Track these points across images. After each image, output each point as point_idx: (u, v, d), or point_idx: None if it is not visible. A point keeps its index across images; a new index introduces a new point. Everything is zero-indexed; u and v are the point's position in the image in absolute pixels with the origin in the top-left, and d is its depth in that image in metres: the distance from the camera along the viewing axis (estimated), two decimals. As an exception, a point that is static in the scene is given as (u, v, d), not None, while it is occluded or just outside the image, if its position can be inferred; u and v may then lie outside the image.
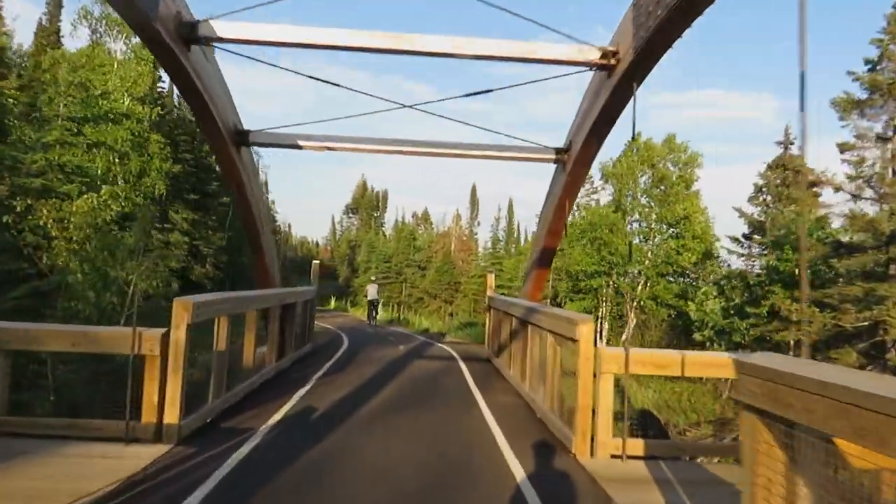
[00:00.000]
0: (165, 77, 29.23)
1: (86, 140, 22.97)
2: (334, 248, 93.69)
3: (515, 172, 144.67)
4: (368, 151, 8.36)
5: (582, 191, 58.51)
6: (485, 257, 40.67)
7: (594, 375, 6.11)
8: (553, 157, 8.48)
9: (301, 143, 8.04)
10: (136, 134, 25.78)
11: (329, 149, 8.13)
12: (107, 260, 9.31)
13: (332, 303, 43.16)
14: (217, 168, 35.31)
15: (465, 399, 8.50)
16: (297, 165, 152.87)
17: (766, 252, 22.46)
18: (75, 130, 21.03)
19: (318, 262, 13.93)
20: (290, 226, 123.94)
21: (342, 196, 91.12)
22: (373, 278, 29.29)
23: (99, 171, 24.69)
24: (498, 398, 8.59)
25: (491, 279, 14.28)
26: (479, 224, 67.04)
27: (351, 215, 73.23)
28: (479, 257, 42.49)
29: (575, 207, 54.81)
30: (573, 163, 8.19)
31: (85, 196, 11.93)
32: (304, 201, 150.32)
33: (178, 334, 5.73)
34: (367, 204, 71.20)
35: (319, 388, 8.76)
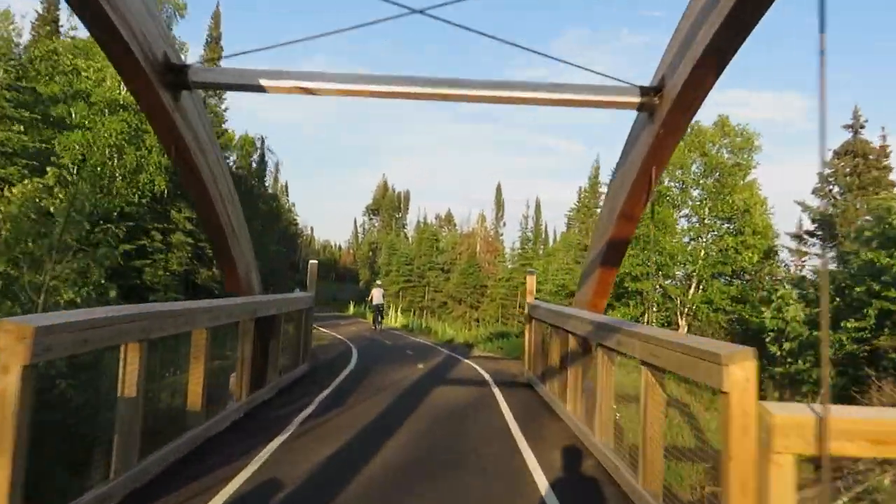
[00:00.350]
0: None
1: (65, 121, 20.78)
2: (356, 250, 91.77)
3: (541, 173, 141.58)
4: (368, 95, 5.71)
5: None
6: (513, 258, 37.82)
7: (760, 457, 3.35)
8: (637, 99, 5.73)
9: (266, 82, 5.44)
10: (132, 126, 23.67)
11: (307, 91, 5.53)
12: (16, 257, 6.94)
13: (351, 308, 40.74)
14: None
15: (510, 459, 5.78)
16: (318, 168, 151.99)
17: (834, 247, 19.32)
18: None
19: (315, 262, 11.38)
20: (312, 229, 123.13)
21: (364, 198, 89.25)
22: (378, 282, 27.96)
23: (71, 162, 22.59)
24: (557, 458, 5.85)
25: (532, 282, 11.52)
26: (504, 225, 64.19)
27: (372, 217, 70.99)
28: (506, 259, 39.61)
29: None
30: (670, 108, 5.46)
31: (26, 182, 9.62)
32: (326, 205, 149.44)
33: (5, 384, 3.17)
34: (388, 205, 68.88)
35: (299, 439, 6.13)
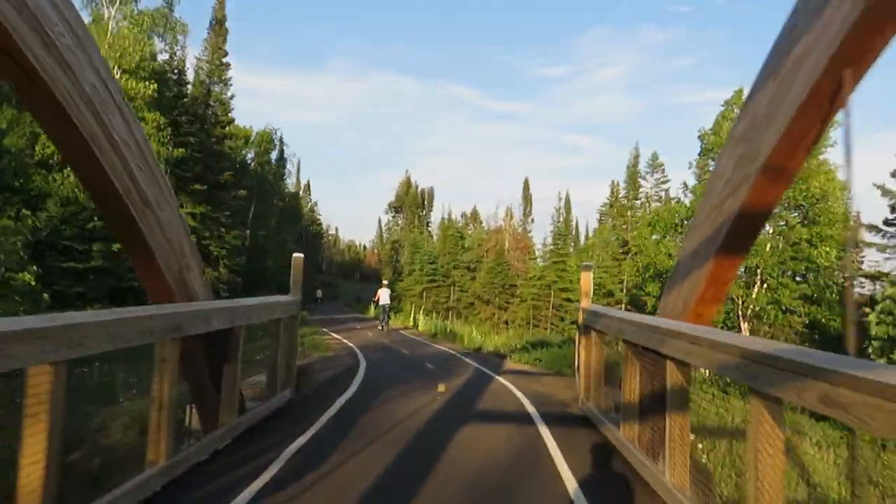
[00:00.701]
0: (165, 47, 25.09)
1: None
2: (380, 250, 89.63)
3: (565, 171, 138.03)
4: None
5: (650, 181, 51.71)
6: (544, 255, 34.91)
7: None
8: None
9: None
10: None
11: None
12: None
13: (372, 310, 38.31)
14: (229, 155, 31.14)
15: None
16: (344, 169, 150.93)
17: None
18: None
19: (300, 255, 8.79)
20: (336, 229, 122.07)
21: (388, 197, 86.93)
22: (385, 282, 26.93)
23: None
24: None
25: (587, 280, 8.71)
26: (532, 221, 61.23)
27: (395, 214, 68.59)
28: (536, 255, 36.67)
29: (643, 199, 47.91)
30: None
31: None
32: (351, 205, 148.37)
33: None
34: (411, 202, 66.42)
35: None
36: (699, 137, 22.26)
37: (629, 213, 32.73)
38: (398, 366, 12.66)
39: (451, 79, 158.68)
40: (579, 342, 8.47)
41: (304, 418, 6.94)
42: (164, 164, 22.71)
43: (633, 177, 32.60)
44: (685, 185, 23.27)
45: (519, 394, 9.38)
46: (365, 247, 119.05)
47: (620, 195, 54.92)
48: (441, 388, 9.48)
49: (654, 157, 44.43)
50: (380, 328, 23.02)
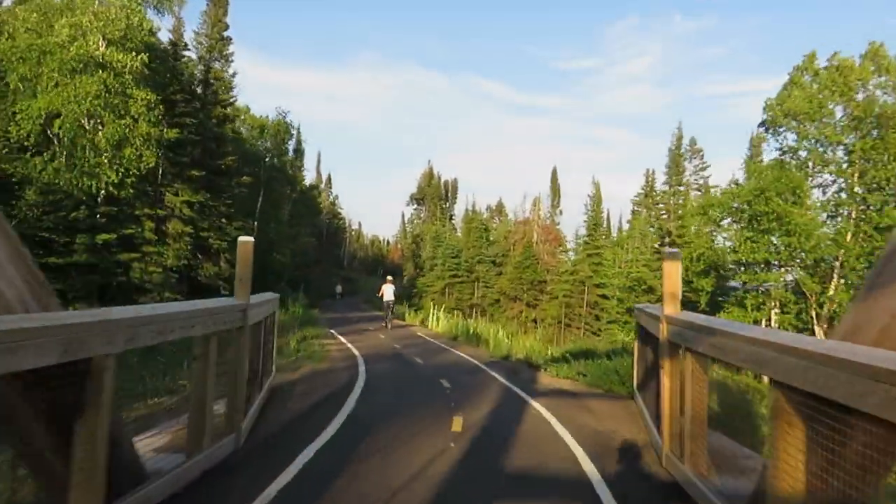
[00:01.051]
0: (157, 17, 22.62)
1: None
2: (403, 245, 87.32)
3: (593, 164, 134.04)
4: None
5: (688, 168, 47.98)
6: (576, 248, 31.87)
7: None
8: None
9: None
10: (113, 89, 19.32)
11: None
12: None
13: (390, 307, 35.85)
14: (231, 137, 28.88)
15: None
16: (369, 164, 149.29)
17: None
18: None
19: (248, 239, 6.26)
20: (360, 224, 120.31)
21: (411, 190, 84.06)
22: (389, 277, 25.28)
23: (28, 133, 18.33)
24: None
25: (673, 274, 5.90)
26: (561, 213, 58.03)
27: (416, 206, 66.00)
28: (569, 248, 33.68)
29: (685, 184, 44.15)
30: None
31: None
32: (375, 200, 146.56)
33: None
34: (433, 193, 63.77)
35: None
36: (764, 108, 19.09)
37: (671, 201, 29.52)
38: (406, 383, 10.07)
39: (478, 72, 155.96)
40: (663, 368, 5.73)
41: (240, 492, 4.37)
42: (156, 146, 20.50)
43: (676, 161, 29.34)
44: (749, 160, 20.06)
45: (566, 434, 6.69)
46: (388, 242, 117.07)
47: (656, 184, 51.66)
48: (457, 424, 6.85)
49: (693, 142, 41.03)
50: (384, 325, 22.22)
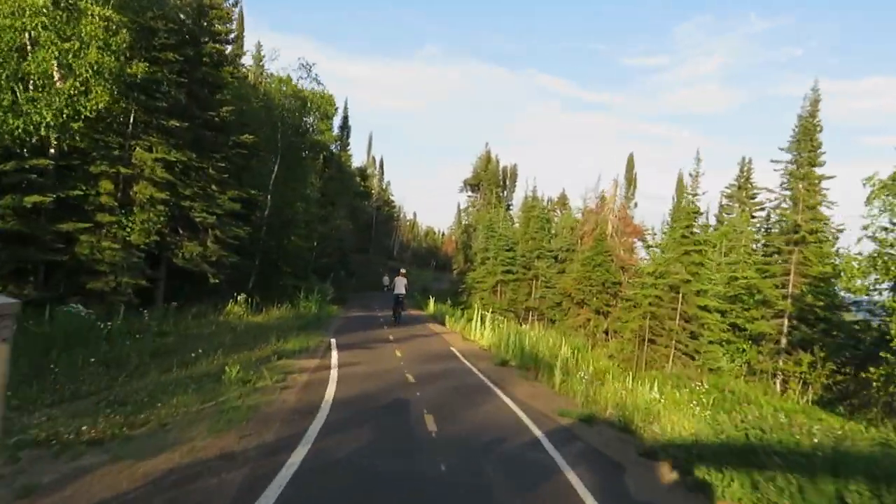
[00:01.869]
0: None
1: None
2: (457, 236, 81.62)
3: (661, 164, 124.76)
4: None
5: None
6: (667, 244, 24.95)
7: None
8: None
9: None
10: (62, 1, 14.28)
11: None
12: None
13: (431, 305, 29.95)
14: (230, 82, 23.59)
15: None
16: (427, 155, 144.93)
17: None
18: None
19: None
20: (415, 214, 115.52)
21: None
22: (402, 270, 23.65)
23: None
24: None
25: None
26: (635, 206, 50.63)
27: (471, 193, 59.86)
28: (652, 244, 26.66)
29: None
30: None
31: None
32: (434, 193, 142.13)
33: None
34: (490, 179, 57.43)
35: None
36: None
37: (799, 186, 22.19)
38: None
39: (541, 67, 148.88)
40: None
41: None
42: (115, 83, 15.32)
43: (808, 132, 22.04)
44: None
45: None
46: (443, 233, 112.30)
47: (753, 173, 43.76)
48: None
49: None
50: (393, 319, 21.12)
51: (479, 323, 20.24)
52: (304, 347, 12.52)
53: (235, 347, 11.88)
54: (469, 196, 60.17)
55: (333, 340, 14.41)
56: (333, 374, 9.82)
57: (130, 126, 16.89)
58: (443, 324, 23.76)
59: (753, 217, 42.92)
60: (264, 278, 24.24)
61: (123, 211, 16.34)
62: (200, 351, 10.62)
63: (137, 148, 16.75)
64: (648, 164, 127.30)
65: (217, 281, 18.93)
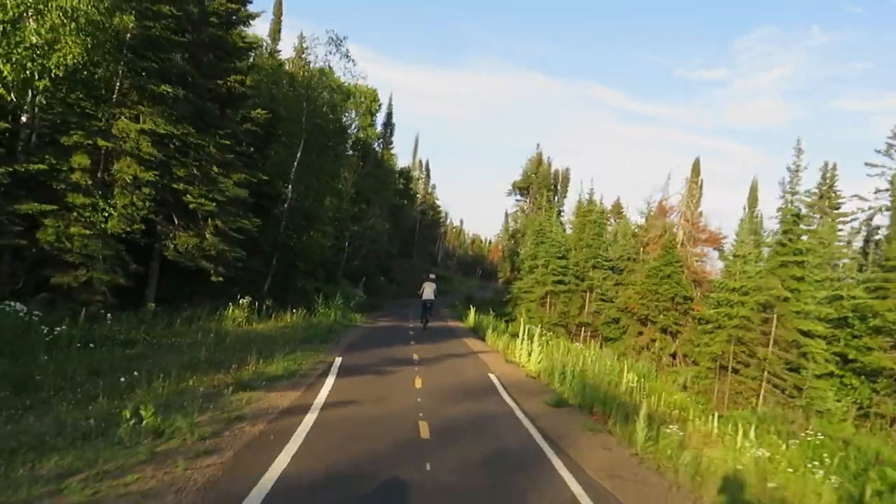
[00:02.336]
0: None
1: None
2: (504, 244, 78.00)
3: (717, 179, 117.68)
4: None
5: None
6: (755, 255, 20.59)
7: None
8: None
9: None
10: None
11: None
12: None
13: (471, 317, 26.46)
14: (241, 41, 20.72)
15: None
16: (478, 164, 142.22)
17: None
18: None
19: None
20: (462, 221, 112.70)
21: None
22: (431, 276, 21.45)
23: None
24: None
25: None
26: (701, 214, 45.74)
27: (519, 197, 56.12)
28: (737, 256, 22.26)
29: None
30: None
31: None
32: (482, 201, 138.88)
33: None
34: (541, 182, 53.56)
35: None
36: None
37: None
38: None
39: (596, 78, 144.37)
40: None
41: None
42: (90, 35, 12.62)
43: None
44: None
45: None
46: (489, 242, 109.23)
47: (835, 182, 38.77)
48: None
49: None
50: (422, 327, 20.16)
51: (525, 340, 16.68)
52: (291, 371, 9.35)
53: (204, 367, 8.85)
54: (517, 200, 56.44)
55: (338, 360, 11.20)
56: (308, 420, 6.55)
57: (116, 92, 14.24)
58: (483, 339, 20.30)
59: (840, 229, 38.01)
60: (283, 279, 21.41)
61: (101, 193, 13.66)
62: (145, 371, 7.65)
63: (122, 118, 14.07)
64: (708, 180, 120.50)
65: (220, 279, 16.09)
